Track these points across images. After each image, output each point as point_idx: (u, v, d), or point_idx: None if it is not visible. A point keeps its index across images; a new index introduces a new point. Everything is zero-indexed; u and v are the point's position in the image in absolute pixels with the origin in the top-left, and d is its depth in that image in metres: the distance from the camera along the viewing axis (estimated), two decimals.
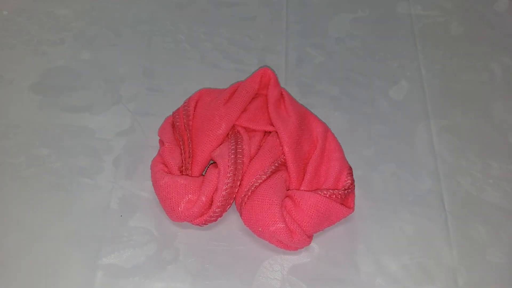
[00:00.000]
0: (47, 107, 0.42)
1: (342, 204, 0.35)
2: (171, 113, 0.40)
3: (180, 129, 0.39)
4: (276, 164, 0.37)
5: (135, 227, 0.36)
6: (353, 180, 0.36)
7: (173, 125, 0.39)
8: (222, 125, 0.38)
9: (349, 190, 0.36)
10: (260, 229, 0.34)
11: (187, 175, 0.37)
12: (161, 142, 0.39)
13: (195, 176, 0.37)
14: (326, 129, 0.39)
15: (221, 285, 0.34)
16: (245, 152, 0.37)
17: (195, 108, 0.40)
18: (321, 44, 0.47)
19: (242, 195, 0.35)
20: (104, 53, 0.45)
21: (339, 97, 0.44)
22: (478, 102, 0.44)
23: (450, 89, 0.45)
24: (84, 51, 0.45)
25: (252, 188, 0.35)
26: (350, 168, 0.37)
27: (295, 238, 0.34)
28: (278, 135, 0.38)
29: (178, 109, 0.40)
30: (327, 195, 0.35)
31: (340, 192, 0.35)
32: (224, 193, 0.35)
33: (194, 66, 0.45)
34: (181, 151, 0.38)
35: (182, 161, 0.38)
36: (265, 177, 0.36)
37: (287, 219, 0.34)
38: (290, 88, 0.44)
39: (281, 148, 0.38)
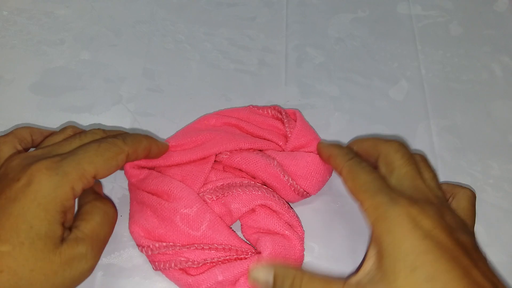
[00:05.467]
0: (47, 107, 0.42)
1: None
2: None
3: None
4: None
5: None
6: None
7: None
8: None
9: None
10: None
11: None
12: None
13: None
14: None
15: None
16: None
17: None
18: (321, 44, 0.47)
19: None
20: (104, 53, 0.45)
21: (339, 97, 0.44)
22: (478, 102, 0.44)
23: (450, 89, 0.45)
24: (84, 51, 0.45)
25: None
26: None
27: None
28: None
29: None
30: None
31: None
32: None
33: (194, 66, 0.45)
34: None
35: None
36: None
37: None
38: (290, 88, 0.44)
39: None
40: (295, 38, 0.47)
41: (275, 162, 0.35)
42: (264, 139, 0.37)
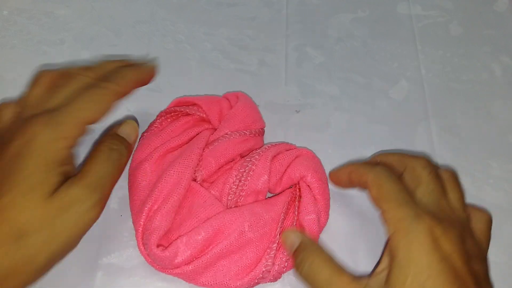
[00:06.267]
0: None
1: None
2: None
3: None
4: None
5: None
6: None
7: None
8: None
9: None
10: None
11: None
12: None
13: None
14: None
15: None
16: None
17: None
18: (321, 44, 0.47)
19: None
20: (104, 53, 0.45)
21: (339, 97, 0.44)
22: (478, 102, 0.44)
23: (450, 89, 0.45)
24: (84, 51, 0.45)
25: None
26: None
27: None
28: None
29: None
30: None
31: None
32: None
33: (194, 66, 0.45)
34: None
35: None
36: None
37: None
38: (290, 88, 0.44)
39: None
40: (295, 38, 0.47)
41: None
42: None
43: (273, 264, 0.32)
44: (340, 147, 0.41)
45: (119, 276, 0.34)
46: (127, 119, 0.35)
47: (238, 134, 0.36)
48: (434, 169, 0.32)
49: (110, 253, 0.35)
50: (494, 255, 0.36)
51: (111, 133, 0.33)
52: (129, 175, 0.36)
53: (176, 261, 0.32)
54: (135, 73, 0.33)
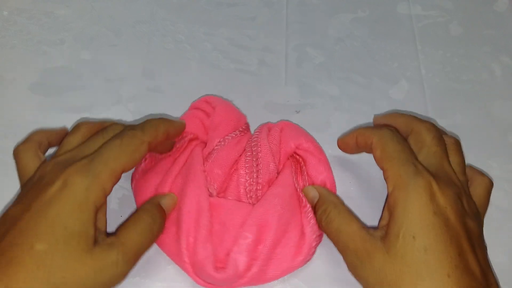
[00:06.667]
0: (47, 107, 0.42)
1: None
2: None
3: None
4: None
5: None
6: None
7: None
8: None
9: None
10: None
11: None
12: None
13: None
14: None
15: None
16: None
17: None
18: (321, 44, 0.47)
19: None
20: (104, 53, 0.45)
21: (339, 97, 0.44)
22: (478, 102, 0.44)
23: (450, 89, 0.45)
24: (84, 51, 0.45)
25: None
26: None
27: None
28: None
29: None
30: None
31: None
32: None
33: (194, 66, 0.45)
34: None
35: None
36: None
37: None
38: (290, 88, 0.44)
39: None
40: (295, 38, 0.47)
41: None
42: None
43: (316, 224, 0.34)
44: None
45: None
46: (170, 193, 0.35)
47: (230, 138, 0.37)
48: (439, 133, 0.32)
49: None
50: (494, 255, 0.36)
51: (155, 202, 0.33)
52: None
53: (239, 272, 0.32)
54: (166, 125, 0.34)
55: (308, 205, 0.34)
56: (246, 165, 0.36)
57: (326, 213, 0.32)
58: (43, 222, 0.27)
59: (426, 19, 0.49)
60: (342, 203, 0.33)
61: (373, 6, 0.50)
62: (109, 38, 0.46)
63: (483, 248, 0.29)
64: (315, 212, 0.33)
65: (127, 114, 0.42)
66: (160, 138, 0.33)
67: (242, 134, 0.38)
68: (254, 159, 0.36)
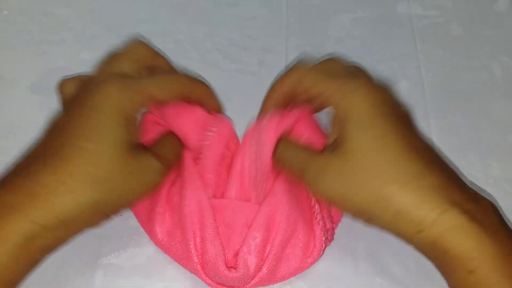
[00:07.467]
0: (47, 107, 0.42)
1: None
2: None
3: None
4: None
5: (135, 227, 0.36)
6: None
7: None
8: None
9: None
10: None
11: None
12: None
13: None
14: None
15: None
16: None
17: None
18: (321, 44, 0.47)
19: None
20: (104, 53, 0.45)
21: None
22: (478, 102, 0.44)
23: (450, 89, 0.45)
24: (84, 51, 0.45)
25: None
26: None
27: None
28: None
29: None
30: None
31: None
32: None
33: (194, 66, 0.45)
34: None
35: None
36: None
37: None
38: None
39: None
40: (295, 38, 0.47)
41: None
42: None
43: (323, 218, 0.33)
44: None
45: (119, 276, 0.34)
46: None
47: (210, 136, 0.35)
48: (344, 62, 0.36)
49: (110, 253, 0.35)
50: None
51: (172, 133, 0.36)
52: (149, 233, 0.35)
53: (250, 273, 0.31)
54: (206, 93, 0.37)
55: (317, 206, 0.34)
56: (250, 169, 0.35)
57: (283, 151, 0.34)
58: (89, 126, 0.29)
59: (426, 19, 0.50)
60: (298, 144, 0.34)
61: (373, 6, 0.50)
62: (109, 38, 0.46)
63: (418, 129, 0.33)
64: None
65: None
66: (194, 96, 0.35)
67: (218, 129, 0.36)
68: (255, 158, 0.35)
